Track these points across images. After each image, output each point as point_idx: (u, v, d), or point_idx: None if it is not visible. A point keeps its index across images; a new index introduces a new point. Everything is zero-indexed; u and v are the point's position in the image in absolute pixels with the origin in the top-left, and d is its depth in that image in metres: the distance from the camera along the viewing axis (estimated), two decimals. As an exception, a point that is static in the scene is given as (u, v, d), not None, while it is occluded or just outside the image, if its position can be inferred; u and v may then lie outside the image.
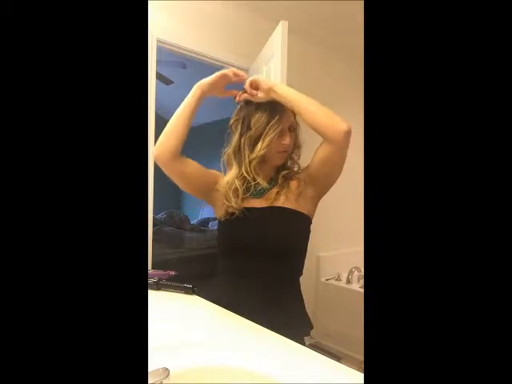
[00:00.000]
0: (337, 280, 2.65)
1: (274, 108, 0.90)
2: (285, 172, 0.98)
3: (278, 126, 0.90)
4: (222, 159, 1.00)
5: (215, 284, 1.00)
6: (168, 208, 4.38)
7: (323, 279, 2.67)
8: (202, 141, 4.14)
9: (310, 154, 0.92)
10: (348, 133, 0.82)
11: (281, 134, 0.91)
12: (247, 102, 0.94)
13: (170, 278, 0.99)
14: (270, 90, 0.89)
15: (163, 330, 0.68)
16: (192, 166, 0.96)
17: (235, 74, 0.94)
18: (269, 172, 0.98)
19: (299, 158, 1.01)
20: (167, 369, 0.50)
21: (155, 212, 2.69)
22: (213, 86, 0.94)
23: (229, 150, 0.97)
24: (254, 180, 0.93)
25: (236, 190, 0.93)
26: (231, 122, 0.98)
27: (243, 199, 0.95)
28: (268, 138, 0.89)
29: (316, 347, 2.29)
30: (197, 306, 0.88)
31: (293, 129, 0.95)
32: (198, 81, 0.96)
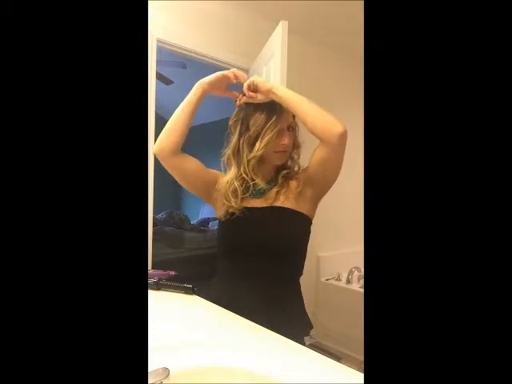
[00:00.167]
0: (337, 280, 2.65)
1: (273, 108, 0.91)
2: (285, 172, 0.98)
3: (275, 126, 0.90)
4: (222, 160, 1.00)
5: (215, 284, 1.01)
6: (168, 208, 4.38)
7: (323, 279, 2.67)
8: (202, 141, 4.14)
9: (311, 153, 0.92)
10: (343, 135, 0.82)
11: (279, 134, 0.92)
12: (246, 103, 0.95)
13: (169, 278, 0.99)
14: (268, 92, 0.89)
15: (163, 330, 0.67)
16: (192, 163, 0.98)
17: (235, 76, 0.94)
18: (268, 172, 0.98)
19: (299, 158, 1.02)
20: (167, 369, 0.50)
21: (155, 212, 2.69)
22: (213, 85, 0.95)
23: (228, 150, 0.97)
24: (253, 180, 0.93)
25: (235, 190, 0.94)
26: (230, 122, 0.98)
27: (243, 199, 0.95)
28: (266, 138, 0.89)
29: (316, 347, 2.29)
30: (197, 306, 0.88)
31: (291, 129, 0.96)
32: (197, 81, 0.97)
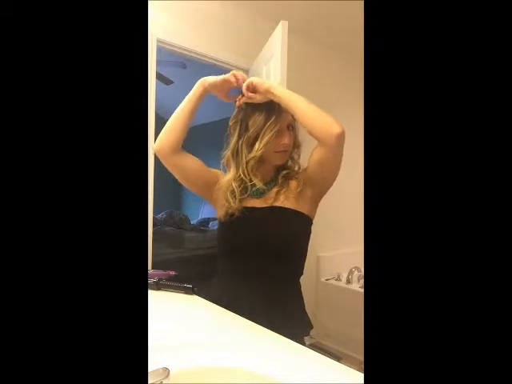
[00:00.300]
0: (337, 280, 2.65)
1: (272, 108, 0.91)
2: (285, 172, 0.98)
3: (275, 125, 0.90)
4: (221, 162, 1.00)
5: (215, 284, 1.00)
6: (168, 208, 4.38)
7: (323, 279, 2.67)
8: (202, 141, 4.14)
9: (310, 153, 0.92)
10: (341, 136, 0.82)
11: (279, 134, 0.91)
12: (245, 104, 0.94)
13: (169, 278, 0.99)
14: (266, 92, 0.89)
15: (163, 330, 0.67)
16: (192, 161, 0.98)
17: (236, 79, 0.94)
18: (268, 172, 0.98)
19: (299, 158, 1.01)
20: (167, 369, 0.50)
21: (155, 212, 2.69)
22: (215, 87, 0.95)
23: (227, 152, 0.97)
24: (251, 181, 0.93)
25: (233, 191, 0.94)
26: (230, 124, 0.98)
27: (243, 199, 0.95)
28: (265, 138, 0.89)
29: (316, 347, 2.29)
30: (197, 306, 0.88)
31: (292, 128, 0.95)
32: (197, 81, 0.96)
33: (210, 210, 4.65)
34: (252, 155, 0.91)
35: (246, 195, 0.95)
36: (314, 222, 0.99)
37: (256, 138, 0.91)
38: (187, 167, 0.97)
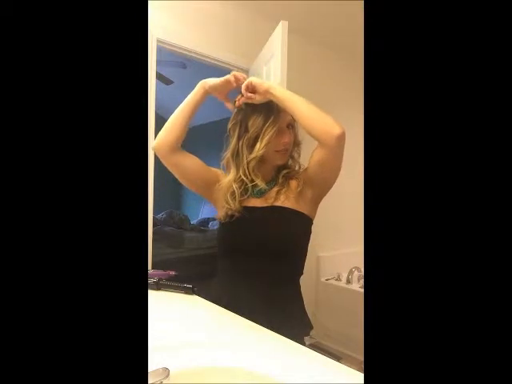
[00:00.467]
0: (337, 280, 2.65)
1: (271, 108, 0.91)
2: (285, 171, 0.98)
3: (274, 125, 0.90)
4: (221, 163, 1.00)
5: (215, 284, 1.00)
6: (168, 208, 4.38)
7: (323, 279, 2.67)
8: (202, 141, 4.14)
9: (311, 152, 0.92)
10: (341, 136, 0.82)
11: (279, 133, 0.91)
12: (244, 105, 0.94)
13: (169, 278, 0.99)
14: (266, 92, 0.88)
15: (163, 330, 0.67)
16: (192, 160, 0.98)
17: (236, 80, 0.94)
18: (269, 172, 0.98)
19: (299, 156, 1.01)
20: (167, 369, 0.50)
21: (155, 212, 2.69)
22: (215, 89, 0.95)
23: (227, 153, 0.97)
24: (252, 181, 0.93)
25: (233, 192, 0.94)
26: (229, 125, 0.98)
27: (244, 199, 0.95)
28: (266, 138, 0.89)
29: (316, 347, 2.29)
30: (197, 306, 0.88)
31: (291, 127, 0.95)
32: (198, 81, 0.97)
33: (210, 210, 4.65)
34: (253, 155, 0.91)
35: (245, 196, 0.95)
36: (314, 222, 0.99)
37: (256, 139, 0.91)
38: (187, 166, 0.97)
